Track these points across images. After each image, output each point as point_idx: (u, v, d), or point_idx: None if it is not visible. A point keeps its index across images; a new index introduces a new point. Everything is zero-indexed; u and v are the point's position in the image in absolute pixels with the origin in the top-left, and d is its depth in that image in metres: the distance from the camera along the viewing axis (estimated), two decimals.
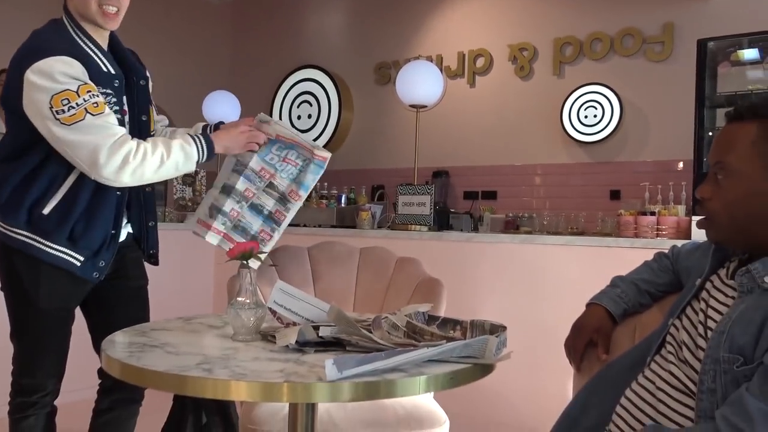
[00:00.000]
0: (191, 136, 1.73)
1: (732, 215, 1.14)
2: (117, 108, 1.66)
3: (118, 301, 1.82)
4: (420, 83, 3.72)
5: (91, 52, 1.63)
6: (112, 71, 1.66)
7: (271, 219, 1.89)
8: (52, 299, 1.67)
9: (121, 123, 1.67)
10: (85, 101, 1.53)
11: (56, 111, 1.51)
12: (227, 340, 1.28)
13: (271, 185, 1.90)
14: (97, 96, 1.57)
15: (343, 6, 5.62)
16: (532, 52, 4.59)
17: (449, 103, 4.75)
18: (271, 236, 1.90)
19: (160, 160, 1.62)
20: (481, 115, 4.76)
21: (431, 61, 4.92)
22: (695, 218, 2.66)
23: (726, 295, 1.16)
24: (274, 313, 1.30)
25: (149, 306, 1.92)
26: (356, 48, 5.43)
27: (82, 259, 1.65)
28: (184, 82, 5.46)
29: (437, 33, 5.02)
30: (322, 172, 1.94)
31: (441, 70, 4.81)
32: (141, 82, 1.77)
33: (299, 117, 5.60)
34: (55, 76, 1.51)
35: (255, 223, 1.90)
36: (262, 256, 1.49)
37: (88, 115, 1.53)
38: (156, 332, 1.37)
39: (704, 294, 1.21)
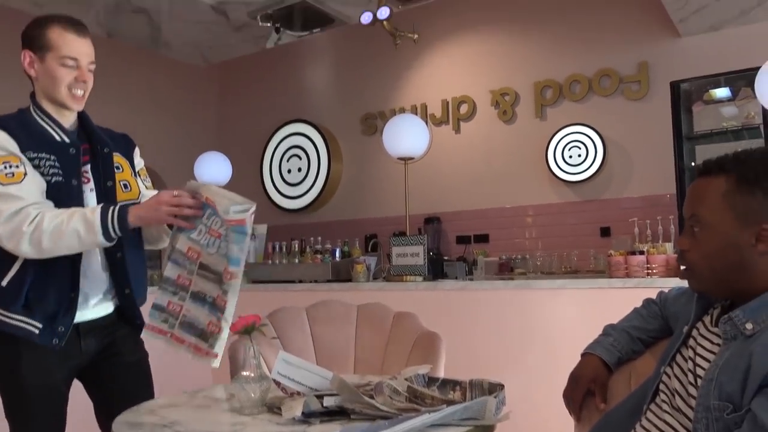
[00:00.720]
0: (104, 205, 1.66)
1: (711, 266, 1.19)
2: (64, 174, 1.70)
3: (116, 378, 1.81)
4: (406, 137, 3.82)
5: (44, 124, 1.72)
6: (67, 140, 1.73)
7: (216, 307, 1.61)
8: (33, 376, 1.67)
9: (77, 190, 1.71)
10: None
11: None
12: (234, 415, 1.31)
13: (202, 267, 1.65)
14: (17, 167, 1.62)
15: (327, 60, 5.78)
16: (513, 96, 4.72)
17: (436, 149, 4.85)
18: (220, 329, 1.58)
19: (58, 228, 1.59)
20: (468, 160, 4.86)
21: (415, 110, 5.05)
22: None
23: (712, 342, 1.21)
24: (278, 383, 1.34)
25: (151, 379, 1.89)
26: (342, 101, 5.57)
27: (40, 326, 1.65)
28: (174, 145, 5.55)
29: (420, 82, 5.16)
30: (246, 238, 1.62)
31: (426, 119, 4.93)
32: (105, 150, 1.81)
33: (289, 171, 5.68)
34: None
35: (201, 315, 1.63)
36: (218, 357, 1.50)
37: None
38: (164, 410, 1.39)
39: (692, 341, 1.25)
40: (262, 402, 1.31)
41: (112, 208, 1.64)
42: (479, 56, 4.92)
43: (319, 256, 3.84)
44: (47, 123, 1.73)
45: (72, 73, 1.70)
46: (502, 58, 4.82)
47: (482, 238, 4.69)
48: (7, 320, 1.66)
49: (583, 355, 1.52)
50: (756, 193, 1.15)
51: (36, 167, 1.66)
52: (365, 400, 1.22)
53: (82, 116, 1.82)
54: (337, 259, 3.85)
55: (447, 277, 3.52)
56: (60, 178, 1.69)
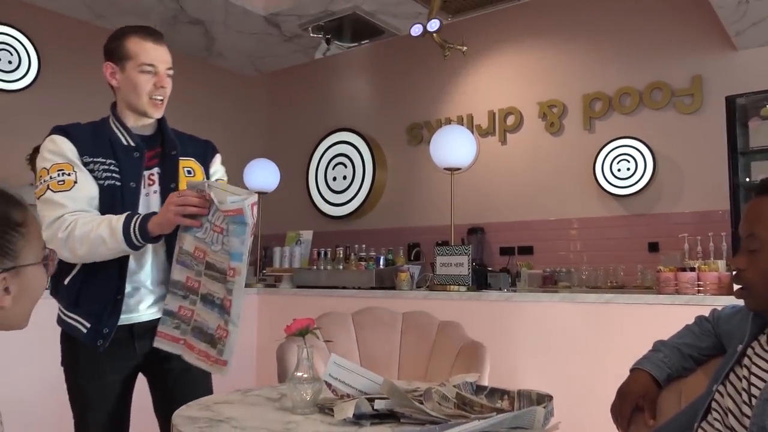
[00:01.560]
0: (129, 214, 1.68)
1: None
2: (123, 177, 1.76)
3: (175, 380, 1.83)
4: (454, 147, 3.83)
5: (116, 129, 1.81)
6: (132, 144, 1.80)
7: (223, 309, 1.57)
8: (86, 376, 1.75)
9: (134, 192, 1.76)
10: (51, 178, 1.69)
11: (35, 186, 1.74)
12: (287, 414, 1.34)
13: (209, 266, 1.61)
14: (68, 174, 1.71)
15: (374, 70, 5.84)
16: (561, 108, 4.69)
17: (482, 160, 4.86)
18: (227, 332, 1.54)
19: (87, 235, 1.63)
20: (514, 172, 4.84)
21: (462, 121, 5.06)
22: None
23: (767, 362, 1.20)
24: (329, 385, 1.37)
25: (210, 382, 1.88)
26: (387, 110, 5.62)
27: (88, 325, 1.71)
28: (224, 151, 5.59)
29: (467, 93, 5.17)
30: (248, 229, 1.56)
31: (472, 129, 4.94)
32: (171, 153, 1.86)
33: (335, 178, 5.76)
34: (44, 153, 1.73)
35: (211, 320, 1.59)
36: (226, 366, 1.50)
37: (48, 191, 1.69)
38: (218, 406, 1.44)
39: (746, 360, 1.24)
40: (314, 403, 1.35)
41: (136, 216, 1.66)
42: (527, 68, 4.91)
43: (363, 263, 3.88)
44: (118, 129, 1.81)
45: (151, 80, 1.77)
46: (550, 70, 4.80)
47: (526, 250, 4.66)
48: (65, 318, 1.75)
49: (632, 370, 1.51)
50: None
51: (90, 171, 1.74)
52: (415, 404, 1.24)
53: (160, 122, 1.88)
54: (381, 266, 3.88)
55: (491, 287, 3.51)
56: (115, 182, 1.76)
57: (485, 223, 4.83)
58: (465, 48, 4.57)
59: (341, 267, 3.93)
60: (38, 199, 1.71)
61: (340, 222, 5.68)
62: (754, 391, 1.17)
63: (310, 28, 5.25)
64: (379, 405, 1.25)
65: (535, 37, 4.87)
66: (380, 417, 1.25)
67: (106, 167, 1.76)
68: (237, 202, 1.54)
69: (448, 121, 5.15)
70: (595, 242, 4.45)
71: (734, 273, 1.27)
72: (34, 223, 1.05)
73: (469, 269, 3.34)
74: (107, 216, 1.69)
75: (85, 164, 1.74)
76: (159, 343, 1.70)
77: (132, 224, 1.65)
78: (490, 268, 4.06)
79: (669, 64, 4.29)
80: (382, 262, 3.93)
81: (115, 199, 1.75)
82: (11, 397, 2.72)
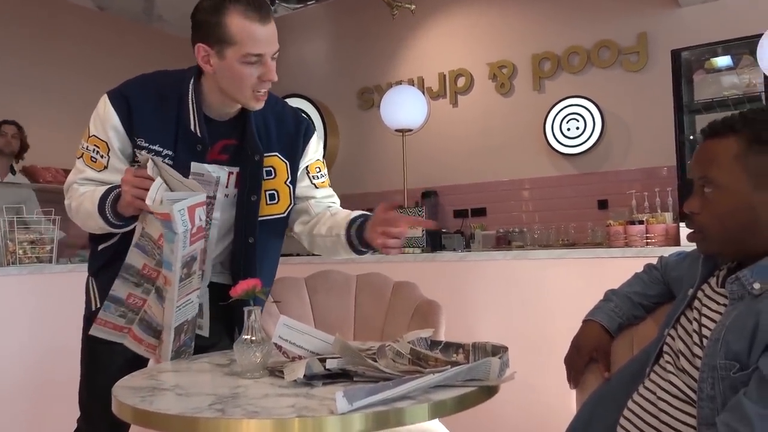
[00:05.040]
0: (110, 188, 1.49)
1: (723, 227, 1.18)
2: (175, 167, 1.49)
3: None
4: (404, 108, 3.78)
5: (191, 111, 1.53)
6: (199, 134, 1.52)
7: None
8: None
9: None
10: (87, 149, 1.55)
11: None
12: (236, 378, 1.29)
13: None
14: (102, 157, 1.53)
15: (322, 34, 5.71)
16: (511, 69, 4.68)
17: (433, 123, 4.82)
18: (162, 341, 1.44)
19: (78, 207, 1.53)
20: (466, 134, 4.83)
21: (413, 84, 5.00)
22: (682, 225, 2.72)
23: (718, 303, 1.20)
24: (279, 348, 1.32)
25: None
26: (338, 75, 5.51)
27: (98, 305, 1.59)
28: None
29: (417, 55, 5.10)
30: (176, 239, 1.35)
31: (423, 92, 4.89)
32: (255, 158, 1.58)
33: None
34: (93, 114, 1.55)
35: (159, 316, 1.47)
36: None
37: (82, 157, 1.55)
38: (164, 374, 1.38)
39: (697, 303, 1.25)
40: (264, 366, 1.30)
41: (114, 191, 1.46)
42: (476, 28, 4.87)
43: None
44: (193, 110, 1.53)
45: (257, 71, 1.48)
46: (499, 31, 4.77)
47: (480, 212, 4.68)
48: (88, 282, 1.66)
49: (584, 321, 1.52)
50: None
51: (139, 152, 1.53)
52: (368, 362, 1.21)
53: (253, 115, 1.60)
54: None
55: (445, 249, 3.51)
56: None
57: (439, 187, 4.82)
58: (413, 7, 4.49)
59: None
60: (77, 158, 1.58)
61: None
62: (704, 332, 1.17)
63: None
64: (330, 364, 1.21)
65: None
66: (332, 377, 1.22)
67: (158, 156, 1.52)
68: (166, 206, 1.34)
69: (399, 84, 5.08)
70: (547, 202, 4.50)
71: (687, 217, 1.26)
72: None
73: (423, 231, 3.32)
74: (99, 188, 1.50)
75: (138, 147, 1.52)
76: (96, 331, 1.52)
77: (107, 200, 1.46)
78: (444, 230, 4.06)
79: (616, 22, 4.31)
80: None
81: None
82: None
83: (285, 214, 1.69)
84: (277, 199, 1.65)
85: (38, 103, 4.61)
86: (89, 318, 1.63)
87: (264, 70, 1.49)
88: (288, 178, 1.66)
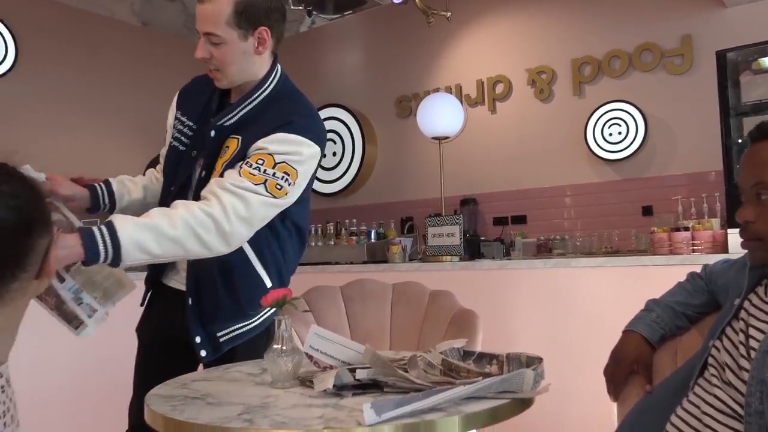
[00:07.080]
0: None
1: None
2: (190, 143, 1.69)
3: None
4: (441, 115, 3.76)
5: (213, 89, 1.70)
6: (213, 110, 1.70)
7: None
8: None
9: (192, 161, 1.69)
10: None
11: None
12: (266, 388, 1.29)
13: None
14: (166, 133, 1.77)
15: (359, 43, 5.73)
16: (550, 74, 4.61)
17: (471, 130, 4.78)
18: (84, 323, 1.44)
19: None
20: (505, 141, 4.77)
21: (450, 91, 4.97)
22: (730, 231, 2.61)
23: (766, 313, 1.14)
24: (310, 357, 1.31)
25: None
26: (375, 83, 5.52)
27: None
28: None
29: (454, 62, 5.07)
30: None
31: (461, 99, 4.85)
32: (211, 134, 1.63)
33: (324, 155, 5.66)
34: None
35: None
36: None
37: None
38: (197, 383, 1.39)
39: (743, 313, 1.19)
40: (294, 375, 1.30)
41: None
42: (514, 34, 4.81)
43: (354, 237, 3.83)
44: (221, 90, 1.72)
45: None
46: (537, 36, 4.70)
47: (520, 219, 4.60)
48: None
49: (624, 331, 1.46)
50: None
51: (173, 127, 1.75)
52: (398, 372, 1.19)
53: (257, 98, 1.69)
54: (373, 240, 3.83)
55: (484, 257, 3.46)
56: (180, 145, 1.70)
57: (478, 194, 4.77)
58: (449, 14, 4.46)
59: (332, 242, 3.88)
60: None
61: (331, 199, 5.61)
62: (752, 343, 1.12)
63: (291, 1, 5.12)
64: (360, 375, 1.19)
65: (521, 2, 4.77)
66: (363, 387, 1.20)
67: (182, 127, 1.72)
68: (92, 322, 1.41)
69: (437, 92, 5.06)
70: (589, 208, 4.39)
71: (741, 227, 1.19)
72: None
73: (460, 239, 3.29)
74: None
75: (175, 119, 1.75)
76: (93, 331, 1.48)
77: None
78: (483, 238, 4.01)
79: (658, 25, 4.20)
80: (373, 236, 3.88)
81: (172, 161, 1.71)
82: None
83: None
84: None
85: (85, 116, 4.78)
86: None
87: None
88: (232, 158, 1.56)
